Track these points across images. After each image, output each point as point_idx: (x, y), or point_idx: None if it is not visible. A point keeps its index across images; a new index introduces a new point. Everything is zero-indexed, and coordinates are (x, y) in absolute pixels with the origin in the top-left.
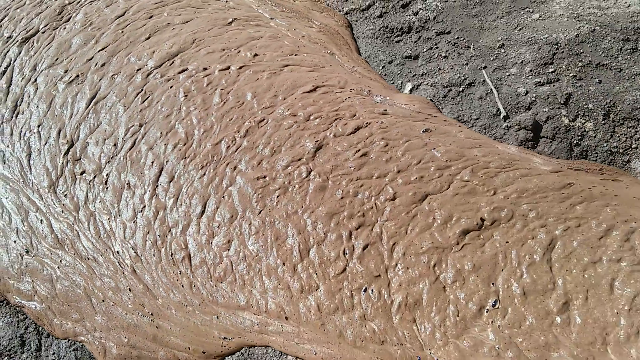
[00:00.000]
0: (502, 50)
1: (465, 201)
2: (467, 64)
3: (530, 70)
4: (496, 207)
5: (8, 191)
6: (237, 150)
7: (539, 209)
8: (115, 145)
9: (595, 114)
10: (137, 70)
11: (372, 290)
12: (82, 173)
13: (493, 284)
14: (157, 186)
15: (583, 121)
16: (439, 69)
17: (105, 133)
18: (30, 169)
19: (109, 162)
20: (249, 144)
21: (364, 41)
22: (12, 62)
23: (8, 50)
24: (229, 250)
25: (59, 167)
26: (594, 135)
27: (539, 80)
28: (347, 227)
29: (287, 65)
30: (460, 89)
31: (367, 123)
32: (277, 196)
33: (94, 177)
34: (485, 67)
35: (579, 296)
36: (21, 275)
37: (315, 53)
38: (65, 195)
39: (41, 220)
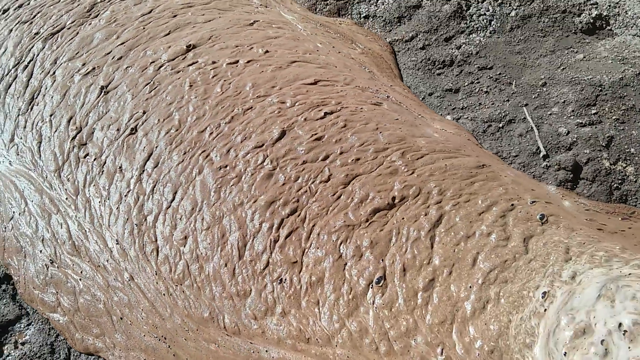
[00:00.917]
0: (545, 89)
1: (385, 181)
2: (508, 101)
3: (572, 111)
4: (406, 185)
5: (32, 192)
6: (216, 137)
7: (442, 185)
8: (118, 130)
9: (637, 158)
10: (151, 63)
11: (285, 279)
12: (85, 156)
13: (382, 260)
14: (143, 171)
15: (624, 165)
16: (480, 103)
17: (111, 119)
18: (40, 155)
19: (109, 145)
20: (227, 131)
21: (405, 72)
22: (35, 56)
23: (33, 46)
24: (184, 246)
25: (66, 151)
26: (634, 179)
27: (580, 121)
28: (280, 215)
29: (295, 62)
30: (500, 125)
31: (341, 107)
32: (231, 186)
33: (94, 159)
34: (526, 105)
35: (444, 271)
36: (46, 286)
37: (338, 60)
38: (68, 179)
39: (61, 224)
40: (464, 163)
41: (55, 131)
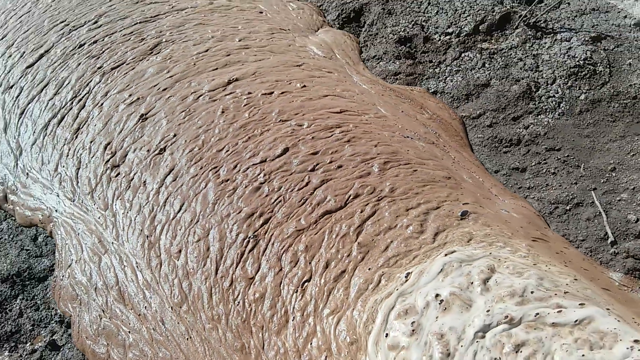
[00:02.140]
0: (614, 174)
1: (348, 185)
2: (576, 183)
3: None
4: (363, 185)
5: (86, 234)
6: (230, 154)
7: (395, 185)
8: (148, 150)
9: None
10: (192, 93)
11: (239, 296)
12: (116, 175)
13: (311, 262)
14: (162, 185)
15: None
16: (547, 184)
17: (144, 142)
18: (78, 180)
19: (138, 164)
20: (241, 149)
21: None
22: (91, 89)
23: (92, 80)
24: (178, 260)
25: (99, 174)
26: None
27: None
28: (253, 226)
29: (328, 95)
30: (568, 208)
31: (354, 127)
32: (226, 198)
33: (123, 176)
34: (594, 189)
35: (358, 258)
36: (97, 337)
37: (393, 111)
38: (99, 197)
39: (109, 268)
40: (437, 173)
41: (93, 156)
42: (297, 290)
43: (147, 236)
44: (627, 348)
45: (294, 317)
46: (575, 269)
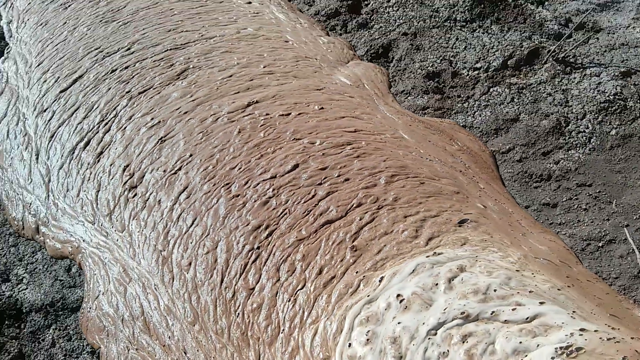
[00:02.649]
0: None
1: (352, 195)
2: (608, 220)
3: None
4: (366, 195)
5: (113, 264)
6: (242, 171)
7: (399, 195)
8: (164, 171)
9: None
10: (211, 115)
11: (240, 307)
12: (133, 196)
13: (306, 270)
14: (176, 202)
15: None
16: (578, 220)
17: (161, 163)
18: (97, 203)
19: (154, 184)
20: (253, 166)
21: None
22: (117, 113)
23: (119, 104)
24: (188, 272)
25: (117, 196)
26: None
27: None
28: (259, 238)
29: (346, 117)
30: (600, 245)
31: (366, 144)
32: (235, 212)
33: (139, 197)
34: (627, 226)
35: (350, 261)
36: None
37: (419, 138)
38: (117, 219)
39: (135, 298)
40: (446, 188)
41: (112, 179)
42: (289, 299)
43: (161, 251)
44: (567, 335)
45: (283, 329)
46: (607, 306)
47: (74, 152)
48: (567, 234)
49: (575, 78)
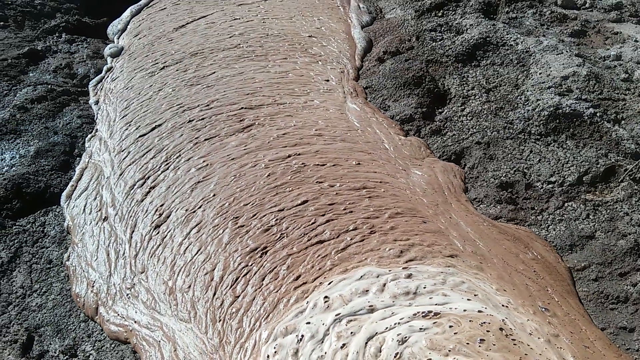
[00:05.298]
0: None
1: (346, 223)
2: None
3: None
4: (363, 223)
5: (165, 342)
6: (254, 206)
7: (398, 226)
8: (186, 210)
9: None
10: (253, 162)
11: (222, 313)
12: (156, 234)
13: (285, 277)
14: (186, 238)
15: None
16: None
17: (188, 202)
18: (130, 244)
19: (174, 222)
20: (266, 202)
21: None
22: (180, 155)
23: (184, 147)
24: (187, 294)
25: (144, 235)
26: None
27: None
28: (253, 257)
29: (378, 173)
30: None
31: (384, 191)
32: (239, 238)
33: (159, 234)
34: None
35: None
36: None
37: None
38: (140, 261)
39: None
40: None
41: (145, 217)
42: (263, 302)
43: (166, 280)
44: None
45: (243, 333)
46: None
47: (133, 188)
48: None
49: None
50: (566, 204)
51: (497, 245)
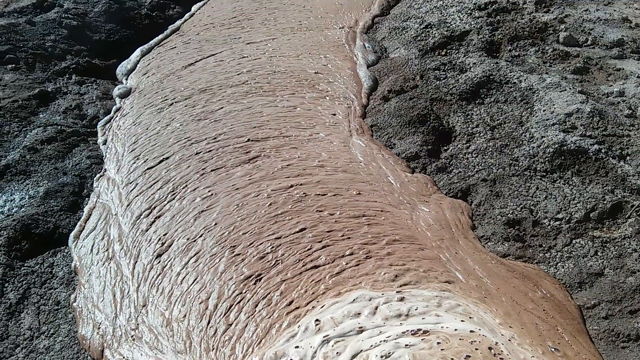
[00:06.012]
0: None
1: (343, 248)
2: None
3: None
4: (360, 248)
5: None
6: (251, 235)
7: (395, 252)
8: (187, 239)
9: None
10: (256, 191)
11: (216, 342)
12: (157, 263)
13: (278, 303)
14: (184, 267)
15: None
16: None
17: (190, 231)
18: (133, 276)
19: (175, 251)
20: (264, 230)
21: None
22: (187, 186)
23: (191, 178)
24: (182, 323)
25: (146, 264)
26: None
27: None
28: (247, 285)
29: (378, 202)
30: None
31: (384, 219)
32: (235, 266)
33: (159, 264)
34: None
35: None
36: None
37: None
38: (141, 292)
39: None
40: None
41: (148, 246)
42: (255, 329)
43: (162, 311)
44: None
45: None
46: None
47: (139, 219)
48: None
49: None
50: (574, 241)
51: (506, 284)
